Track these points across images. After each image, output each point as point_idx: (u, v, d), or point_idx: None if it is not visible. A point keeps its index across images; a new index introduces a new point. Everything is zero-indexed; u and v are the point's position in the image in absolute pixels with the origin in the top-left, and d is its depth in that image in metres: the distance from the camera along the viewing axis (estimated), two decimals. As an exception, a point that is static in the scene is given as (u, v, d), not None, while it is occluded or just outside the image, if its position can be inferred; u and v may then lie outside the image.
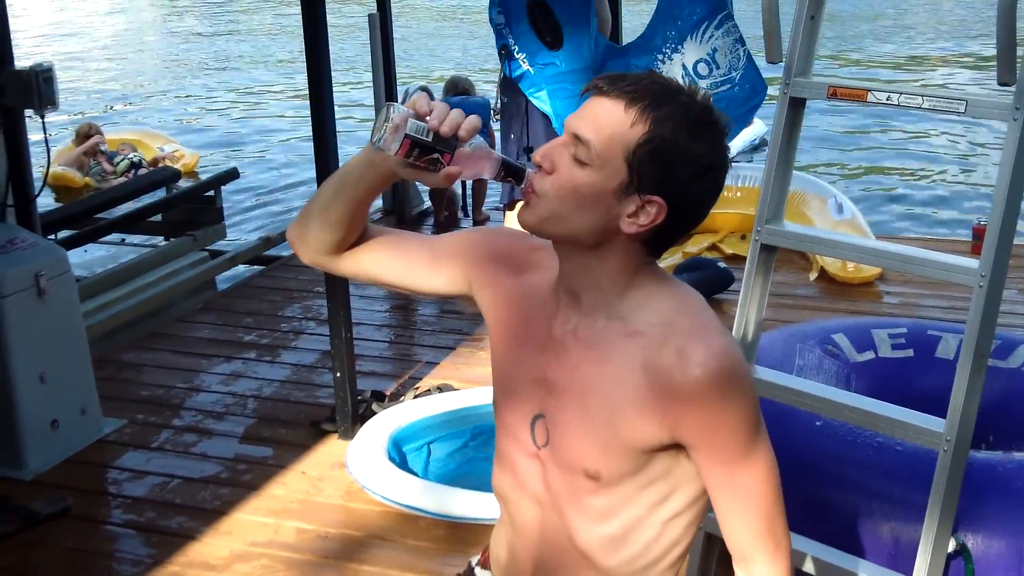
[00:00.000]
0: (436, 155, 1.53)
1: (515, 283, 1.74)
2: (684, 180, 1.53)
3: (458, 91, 7.26)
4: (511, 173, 1.59)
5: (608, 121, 1.51)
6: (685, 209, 1.56)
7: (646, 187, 1.52)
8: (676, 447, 1.58)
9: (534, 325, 1.68)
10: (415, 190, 7.49)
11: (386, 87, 6.91)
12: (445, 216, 7.39)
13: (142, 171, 10.01)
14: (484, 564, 1.94)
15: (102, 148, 10.40)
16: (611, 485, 1.62)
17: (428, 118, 1.53)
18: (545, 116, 5.03)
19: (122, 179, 9.94)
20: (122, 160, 10.30)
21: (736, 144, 10.44)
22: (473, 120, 1.55)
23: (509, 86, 5.10)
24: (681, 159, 1.51)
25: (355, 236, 1.76)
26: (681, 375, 1.51)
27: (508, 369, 1.74)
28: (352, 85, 15.32)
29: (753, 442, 1.56)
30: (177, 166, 9.77)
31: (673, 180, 1.52)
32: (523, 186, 1.58)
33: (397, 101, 1.56)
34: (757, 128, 10.83)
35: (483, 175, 1.59)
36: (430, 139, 1.51)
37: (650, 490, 1.62)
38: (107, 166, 10.25)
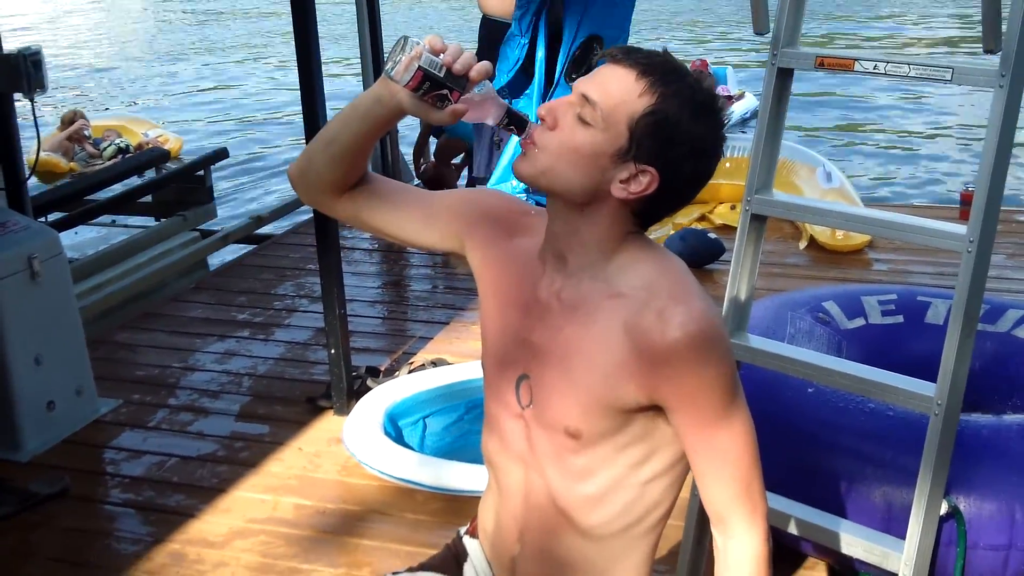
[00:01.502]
0: (445, 91, 1.55)
1: (506, 245, 1.78)
2: (679, 157, 1.57)
3: None
4: (514, 122, 1.62)
5: (617, 88, 1.56)
6: (675, 185, 1.60)
7: (642, 156, 1.56)
8: (655, 409, 1.62)
9: (521, 287, 1.73)
10: (407, 168, 7.47)
11: (374, 67, 6.87)
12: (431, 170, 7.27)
13: (128, 157, 9.92)
14: (472, 533, 1.99)
15: (86, 133, 10.27)
16: (591, 444, 1.66)
17: (442, 55, 1.55)
18: (491, 148, 5.09)
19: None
20: (108, 146, 10.17)
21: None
22: (485, 64, 1.58)
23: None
24: (681, 137, 1.56)
25: (355, 176, 1.78)
26: (660, 336, 1.55)
27: (495, 331, 1.79)
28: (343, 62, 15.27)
29: (731, 405, 1.60)
30: (163, 150, 9.71)
31: (669, 155, 1.57)
32: (523, 137, 1.61)
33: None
34: (748, 102, 10.90)
35: (487, 120, 1.61)
36: (442, 75, 1.54)
37: (628, 451, 1.67)
38: (91, 149, 10.14)
